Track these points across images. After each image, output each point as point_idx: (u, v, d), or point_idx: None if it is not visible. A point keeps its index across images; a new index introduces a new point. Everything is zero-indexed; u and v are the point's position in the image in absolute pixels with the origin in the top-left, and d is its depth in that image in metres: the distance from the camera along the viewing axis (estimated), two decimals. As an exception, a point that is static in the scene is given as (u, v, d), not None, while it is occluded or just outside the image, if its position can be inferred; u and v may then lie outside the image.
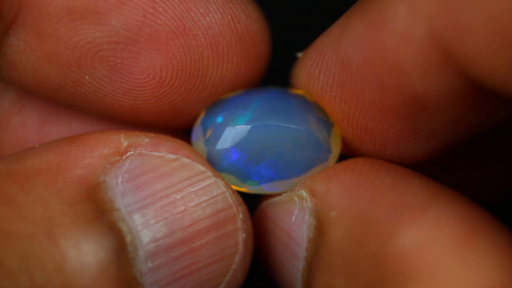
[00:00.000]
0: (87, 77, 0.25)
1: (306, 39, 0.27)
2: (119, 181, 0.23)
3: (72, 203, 0.22)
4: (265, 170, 0.25)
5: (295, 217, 0.25)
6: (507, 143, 0.29)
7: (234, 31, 0.25)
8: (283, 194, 0.25)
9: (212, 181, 0.24)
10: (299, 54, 0.27)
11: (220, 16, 0.25)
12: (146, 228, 0.23)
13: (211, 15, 0.25)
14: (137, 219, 0.23)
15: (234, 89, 0.26)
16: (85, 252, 0.22)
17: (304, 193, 0.25)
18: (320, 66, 0.25)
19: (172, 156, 0.24)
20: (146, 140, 0.24)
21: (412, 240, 0.21)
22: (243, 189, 0.26)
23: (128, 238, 0.23)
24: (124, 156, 0.24)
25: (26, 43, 0.24)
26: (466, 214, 0.22)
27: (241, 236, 0.24)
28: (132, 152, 0.24)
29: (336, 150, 0.26)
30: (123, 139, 0.24)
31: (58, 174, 0.23)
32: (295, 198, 0.25)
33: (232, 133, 0.25)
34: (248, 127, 0.25)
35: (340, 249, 0.23)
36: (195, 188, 0.24)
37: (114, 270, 0.22)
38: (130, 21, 0.24)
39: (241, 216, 0.24)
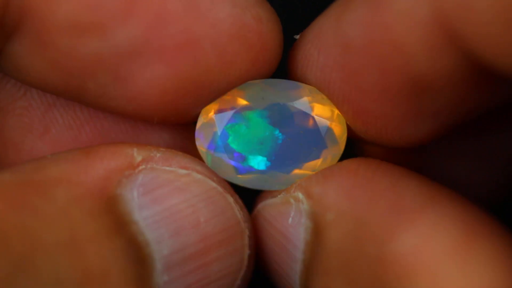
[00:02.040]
0: (90, 84, 0.24)
1: (303, 20, 0.27)
2: (135, 194, 0.23)
3: (92, 214, 0.22)
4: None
5: (291, 219, 0.24)
6: (508, 138, 0.29)
7: (243, 39, 0.24)
8: (278, 196, 0.25)
9: (222, 197, 0.24)
10: (297, 36, 0.26)
11: (229, 26, 0.24)
12: (162, 241, 0.23)
13: (219, 25, 0.24)
14: (154, 233, 0.23)
15: None
16: (110, 262, 0.22)
17: (300, 195, 0.24)
18: (319, 47, 0.25)
19: (184, 172, 0.24)
20: (158, 154, 0.24)
21: (410, 242, 0.21)
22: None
23: (147, 251, 0.23)
24: (137, 170, 0.24)
25: (29, 50, 0.24)
26: (465, 215, 0.22)
27: (246, 253, 0.24)
28: (144, 166, 0.24)
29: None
30: (136, 153, 0.24)
31: (77, 184, 0.23)
32: (291, 200, 0.25)
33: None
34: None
35: (338, 251, 0.23)
36: (207, 204, 0.24)
37: (136, 282, 0.22)
38: (135, 34, 0.23)
39: (247, 232, 0.25)
